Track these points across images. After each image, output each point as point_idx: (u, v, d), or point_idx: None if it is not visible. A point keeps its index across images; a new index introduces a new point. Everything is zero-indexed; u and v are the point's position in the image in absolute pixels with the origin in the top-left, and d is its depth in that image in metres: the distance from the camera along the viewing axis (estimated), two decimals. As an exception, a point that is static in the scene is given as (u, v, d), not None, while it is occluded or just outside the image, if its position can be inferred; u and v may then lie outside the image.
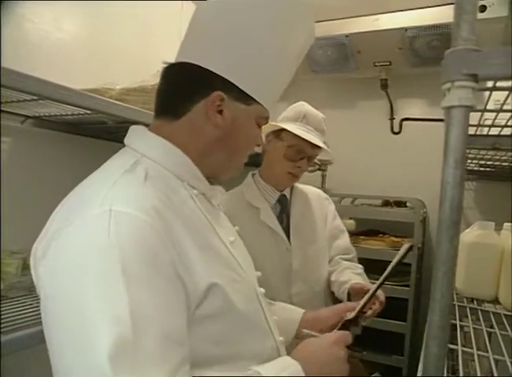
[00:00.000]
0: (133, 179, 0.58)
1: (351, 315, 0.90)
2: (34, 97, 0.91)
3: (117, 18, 1.51)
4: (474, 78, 0.44)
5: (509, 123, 0.84)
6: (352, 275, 1.26)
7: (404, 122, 2.49)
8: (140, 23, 1.62)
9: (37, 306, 0.92)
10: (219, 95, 0.64)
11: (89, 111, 1.03)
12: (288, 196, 1.32)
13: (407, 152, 2.45)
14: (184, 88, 0.67)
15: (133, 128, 0.69)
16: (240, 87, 0.65)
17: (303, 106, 1.27)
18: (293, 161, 1.22)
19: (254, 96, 0.67)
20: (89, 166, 1.43)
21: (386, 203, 2.23)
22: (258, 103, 0.68)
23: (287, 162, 1.22)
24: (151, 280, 0.50)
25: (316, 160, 1.41)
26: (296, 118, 1.23)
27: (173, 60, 0.70)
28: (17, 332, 0.78)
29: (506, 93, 0.70)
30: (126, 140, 0.69)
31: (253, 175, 1.34)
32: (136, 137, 0.68)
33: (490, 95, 0.60)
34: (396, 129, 2.51)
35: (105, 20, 1.46)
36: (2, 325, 0.79)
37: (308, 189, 1.41)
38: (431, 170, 2.37)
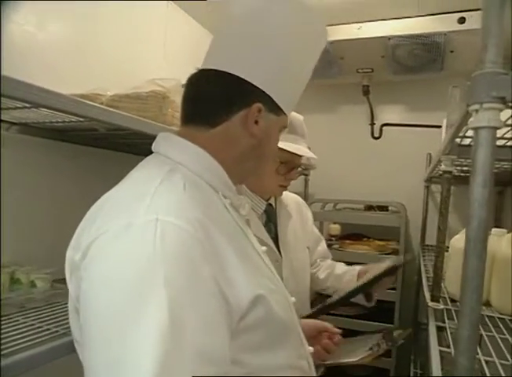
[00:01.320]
0: (173, 188, 0.57)
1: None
2: (27, 105, 0.87)
3: (103, 21, 1.47)
4: (502, 100, 0.46)
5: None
6: (345, 266, 1.31)
7: (384, 128, 2.56)
8: (126, 26, 1.58)
9: (31, 324, 0.88)
10: (259, 107, 0.66)
11: (81, 119, 1.00)
12: (274, 205, 1.29)
13: (386, 157, 2.52)
14: (223, 97, 0.67)
15: (162, 135, 0.69)
16: (276, 101, 0.68)
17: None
18: (284, 174, 1.20)
19: (283, 109, 0.71)
20: (79, 175, 1.39)
21: (369, 208, 2.27)
22: (283, 113, 0.72)
23: (278, 176, 1.20)
24: (192, 295, 0.49)
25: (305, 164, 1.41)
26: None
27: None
28: (15, 355, 0.74)
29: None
30: (155, 148, 0.68)
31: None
32: (169, 144, 0.67)
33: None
34: (376, 135, 2.58)
35: (91, 22, 1.42)
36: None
37: (288, 196, 1.38)
38: (410, 174, 2.46)
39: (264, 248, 0.73)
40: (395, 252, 1.93)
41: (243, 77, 0.65)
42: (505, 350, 0.77)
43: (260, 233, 1.18)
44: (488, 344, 0.80)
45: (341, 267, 1.34)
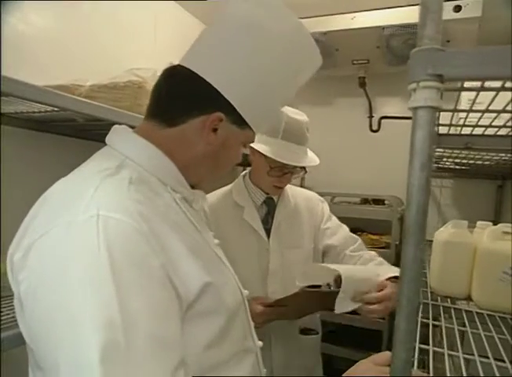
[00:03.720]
0: (117, 183, 0.57)
1: None
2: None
3: (88, 12, 1.46)
4: (440, 78, 0.43)
5: (481, 123, 0.85)
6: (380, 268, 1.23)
7: (383, 120, 2.51)
8: (113, 17, 1.58)
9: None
10: (219, 116, 0.65)
11: (56, 109, 1.00)
12: (275, 199, 1.31)
13: (385, 150, 2.47)
14: (188, 99, 0.66)
15: (116, 128, 0.68)
16: (243, 116, 0.67)
17: (282, 116, 1.21)
18: (277, 176, 1.22)
19: (250, 125, 0.69)
20: (58, 165, 1.38)
21: (365, 201, 2.24)
22: (249, 128, 0.70)
23: (271, 178, 1.22)
24: (141, 284, 0.50)
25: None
26: (275, 132, 1.20)
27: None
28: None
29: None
30: (108, 140, 0.67)
31: (244, 175, 1.34)
32: (120, 138, 0.67)
33: (458, 96, 0.59)
34: (374, 127, 2.53)
35: (76, 13, 1.41)
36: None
37: (299, 193, 1.40)
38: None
39: (216, 241, 0.73)
40: (387, 246, 1.90)
41: (212, 83, 0.64)
42: (473, 345, 0.74)
43: (252, 220, 1.25)
44: (457, 337, 0.77)
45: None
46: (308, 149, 1.29)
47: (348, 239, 1.36)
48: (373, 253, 1.33)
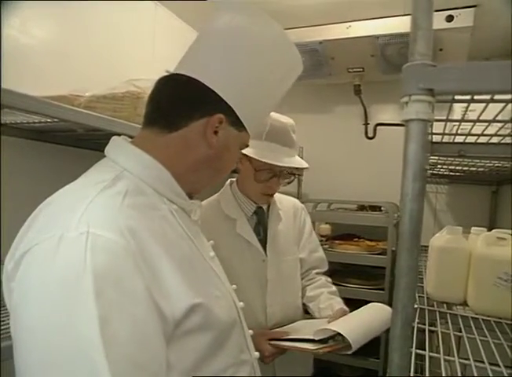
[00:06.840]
0: (111, 197, 0.57)
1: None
2: (-2, 106, 0.88)
3: (92, 23, 1.48)
4: (431, 92, 0.45)
5: (473, 131, 0.87)
6: (331, 300, 1.28)
7: (378, 127, 2.54)
8: (113, 28, 1.59)
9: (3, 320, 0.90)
10: (220, 117, 0.67)
11: (56, 120, 1.01)
12: (265, 208, 1.31)
13: (381, 157, 2.49)
14: (188, 103, 0.67)
15: (114, 139, 0.69)
16: (240, 117, 0.69)
17: (267, 120, 1.19)
18: (264, 182, 1.20)
19: (246, 126, 0.72)
20: (58, 174, 1.40)
21: (361, 208, 2.26)
22: (245, 130, 0.73)
23: (258, 184, 1.20)
24: (123, 306, 0.50)
25: (293, 170, 1.38)
26: (259, 135, 1.18)
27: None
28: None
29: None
30: (106, 152, 0.68)
31: (231, 184, 1.32)
32: (117, 149, 0.67)
33: (451, 106, 0.61)
34: (370, 134, 2.55)
35: (75, 24, 1.43)
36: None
37: (284, 200, 1.40)
38: (405, 173, 2.43)
39: (212, 254, 0.73)
40: (383, 252, 1.91)
41: (210, 86, 0.66)
42: (469, 350, 0.75)
43: (245, 233, 1.23)
44: (453, 342, 0.79)
45: (325, 299, 1.30)
46: (297, 156, 1.25)
47: (320, 262, 1.42)
48: (329, 279, 1.40)
